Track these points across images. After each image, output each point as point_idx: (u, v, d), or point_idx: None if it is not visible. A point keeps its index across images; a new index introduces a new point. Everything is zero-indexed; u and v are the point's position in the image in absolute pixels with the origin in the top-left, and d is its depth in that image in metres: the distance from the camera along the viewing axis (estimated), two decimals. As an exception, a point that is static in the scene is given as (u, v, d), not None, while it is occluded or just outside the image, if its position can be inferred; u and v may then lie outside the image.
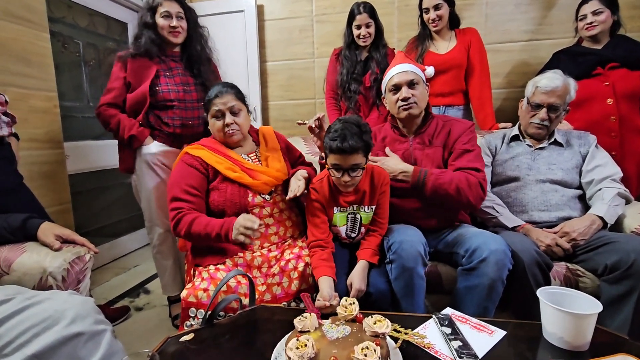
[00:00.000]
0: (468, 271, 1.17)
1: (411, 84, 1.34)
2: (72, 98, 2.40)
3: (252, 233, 1.12)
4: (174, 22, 1.61)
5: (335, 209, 1.32)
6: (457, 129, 1.37)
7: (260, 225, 1.17)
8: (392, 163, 1.35)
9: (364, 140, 1.17)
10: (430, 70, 1.44)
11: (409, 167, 1.31)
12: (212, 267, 1.19)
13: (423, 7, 1.97)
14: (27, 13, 1.64)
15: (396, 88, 1.37)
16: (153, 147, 1.65)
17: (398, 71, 1.37)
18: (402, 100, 1.35)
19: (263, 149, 1.43)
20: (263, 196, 1.32)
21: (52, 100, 1.77)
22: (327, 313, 1.02)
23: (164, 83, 1.64)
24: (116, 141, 1.70)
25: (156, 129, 1.67)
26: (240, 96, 1.36)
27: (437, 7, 1.92)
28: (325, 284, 1.11)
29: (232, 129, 1.31)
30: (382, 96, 1.49)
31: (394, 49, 2.10)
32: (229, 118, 1.31)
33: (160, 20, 1.61)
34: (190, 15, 1.69)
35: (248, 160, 1.36)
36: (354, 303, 0.86)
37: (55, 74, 1.79)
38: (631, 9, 2.16)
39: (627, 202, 1.42)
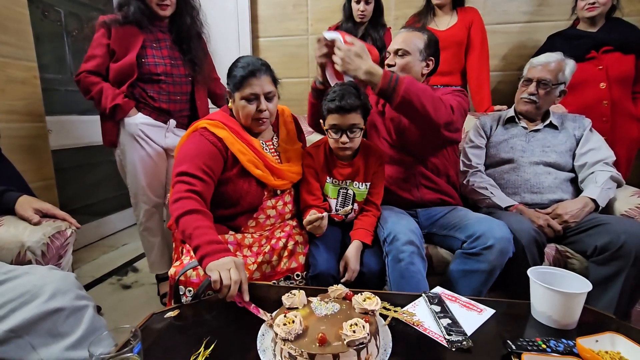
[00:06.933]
0: (469, 255, 1.15)
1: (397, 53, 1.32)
2: (54, 70, 2.29)
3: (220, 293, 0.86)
4: None
5: (328, 178, 1.32)
6: (442, 90, 1.35)
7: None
8: (356, 59, 1.06)
9: (362, 100, 1.17)
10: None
11: (378, 68, 1.07)
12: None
13: None
14: (1, -25, 1.53)
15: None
16: (138, 119, 1.58)
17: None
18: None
19: (283, 139, 1.31)
20: (277, 193, 1.28)
21: (32, 70, 1.68)
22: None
23: (150, 55, 1.56)
24: (103, 116, 1.63)
25: (141, 102, 1.59)
26: (275, 79, 1.21)
27: None
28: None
29: (264, 117, 1.18)
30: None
31: (389, 27, 2.04)
32: (264, 104, 1.16)
33: None
34: None
35: (266, 150, 1.26)
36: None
37: (35, 44, 1.69)
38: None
39: (619, 185, 1.42)
